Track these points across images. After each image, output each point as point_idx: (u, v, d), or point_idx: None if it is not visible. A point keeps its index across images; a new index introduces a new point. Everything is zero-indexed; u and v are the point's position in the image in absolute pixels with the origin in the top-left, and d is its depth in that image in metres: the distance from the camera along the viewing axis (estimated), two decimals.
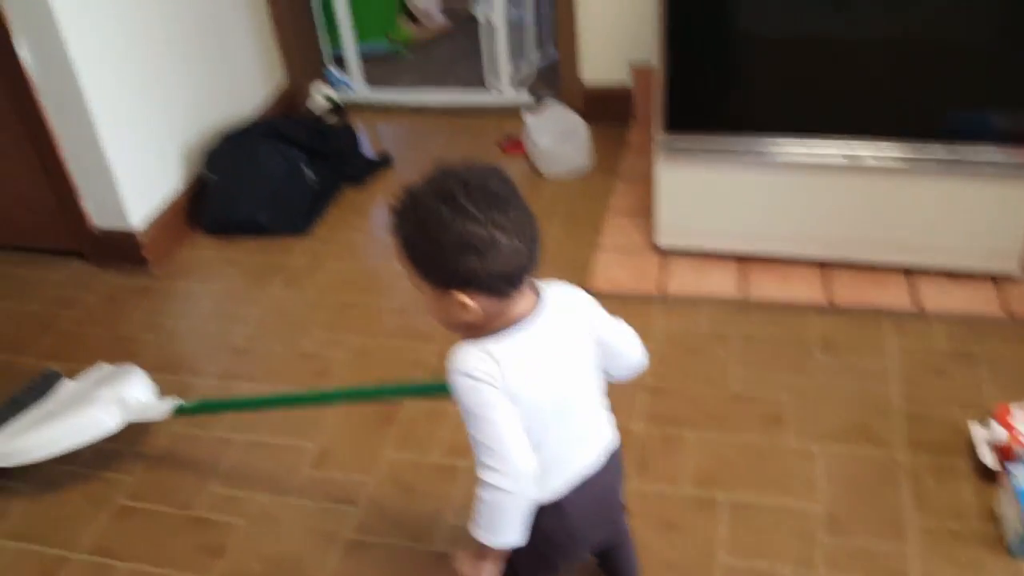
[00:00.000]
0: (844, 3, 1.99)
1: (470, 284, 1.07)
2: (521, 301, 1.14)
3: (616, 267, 2.40)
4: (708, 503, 1.78)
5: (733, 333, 2.18)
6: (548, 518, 1.22)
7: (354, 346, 2.28)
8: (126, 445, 2.02)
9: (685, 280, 2.33)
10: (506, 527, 1.15)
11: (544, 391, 1.16)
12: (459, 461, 1.92)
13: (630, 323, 2.29)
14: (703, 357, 2.13)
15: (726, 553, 1.69)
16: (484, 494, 1.14)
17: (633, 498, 1.80)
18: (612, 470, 1.31)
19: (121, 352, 2.33)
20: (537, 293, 1.17)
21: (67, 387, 2.11)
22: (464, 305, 1.09)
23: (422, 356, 2.22)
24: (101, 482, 1.97)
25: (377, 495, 1.88)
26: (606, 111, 3.04)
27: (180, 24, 2.71)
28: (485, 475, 1.13)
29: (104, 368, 2.14)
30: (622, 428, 1.37)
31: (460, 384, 1.13)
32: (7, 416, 2.04)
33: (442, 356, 2.19)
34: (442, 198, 1.05)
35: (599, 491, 1.29)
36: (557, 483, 1.23)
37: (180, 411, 1.89)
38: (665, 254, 2.42)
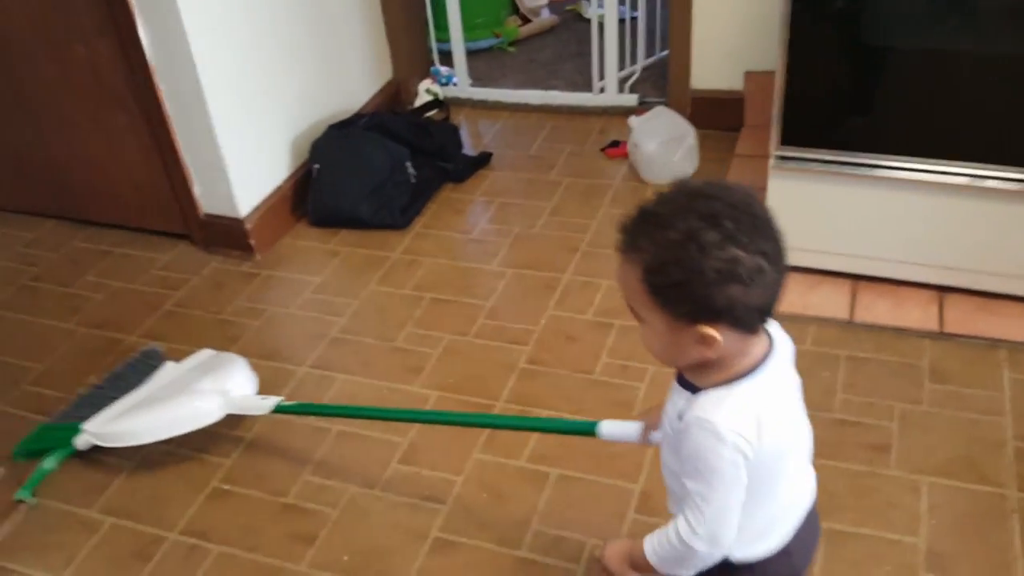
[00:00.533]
0: (975, 17, 1.90)
1: (723, 317, 0.96)
2: (762, 339, 1.05)
3: None
4: None
5: (840, 355, 2.11)
6: (778, 565, 1.17)
7: (446, 344, 2.28)
8: (224, 428, 2.06)
9: (791, 297, 2.26)
10: (684, 570, 1.12)
11: (785, 441, 1.08)
12: (547, 468, 1.90)
13: None
14: (807, 378, 2.02)
15: None
16: (677, 543, 1.09)
17: None
18: (815, 514, 1.24)
19: (221, 336, 2.38)
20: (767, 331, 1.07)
21: (169, 370, 2.15)
22: (707, 340, 0.98)
23: (512, 358, 2.21)
24: (198, 463, 2.02)
25: (464, 495, 1.87)
26: (714, 118, 2.98)
27: (295, 16, 2.76)
28: (685, 533, 1.07)
29: (208, 354, 2.18)
30: None
31: (704, 443, 1.02)
32: (109, 394, 2.09)
33: (533, 360, 2.22)
34: (707, 219, 0.93)
35: (812, 525, 1.22)
36: (787, 529, 1.17)
37: (279, 409, 1.90)
38: None
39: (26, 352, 2.41)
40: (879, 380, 2.03)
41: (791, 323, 2.17)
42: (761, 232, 0.95)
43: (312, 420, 2.08)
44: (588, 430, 1.54)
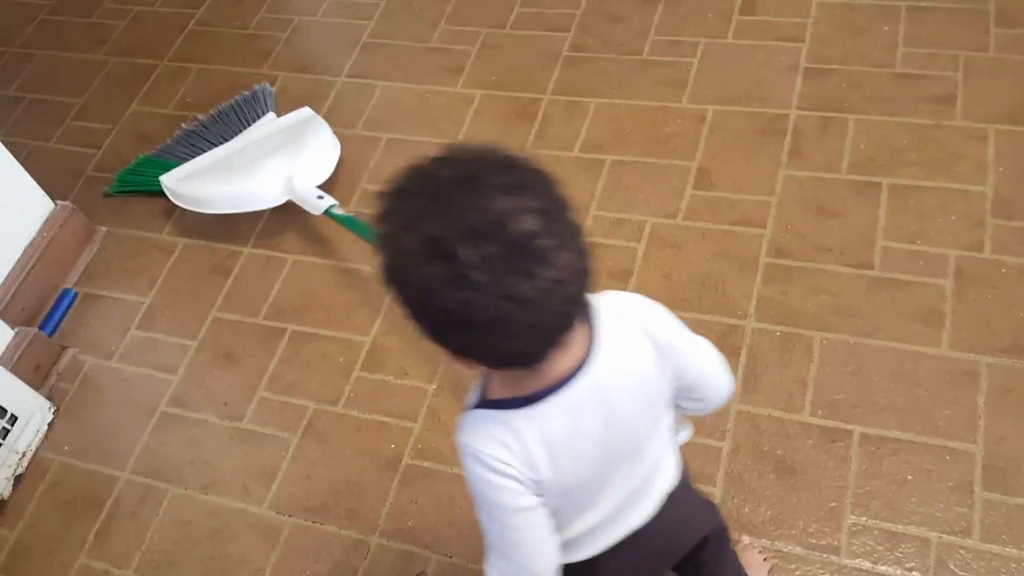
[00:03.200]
0: None
1: (468, 356, 0.77)
2: (561, 358, 0.79)
3: None
4: (868, 188, 1.72)
5: (900, 4, 1.99)
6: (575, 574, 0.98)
7: (483, 39, 2.19)
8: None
9: None
10: None
11: (589, 467, 0.87)
12: (602, 156, 1.89)
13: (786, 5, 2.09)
14: (866, 35, 1.96)
15: (886, 237, 1.65)
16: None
17: (784, 183, 1.75)
18: (670, 516, 1.00)
19: (252, 52, 2.32)
20: (590, 329, 0.81)
21: (264, 125, 2.09)
22: (465, 371, 0.79)
23: (555, 47, 2.12)
24: None
25: None
26: None
27: None
28: (493, 572, 0.90)
29: (303, 118, 2.05)
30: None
31: (471, 470, 0.84)
32: (206, 137, 2.11)
33: (577, 47, 2.13)
34: (434, 251, 0.69)
35: (650, 543, 1.01)
36: (592, 549, 0.98)
37: (328, 213, 1.81)
38: None
39: (62, 88, 2.36)
40: (942, 29, 1.94)
41: None
42: (518, 268, 0.69)
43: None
44: None
